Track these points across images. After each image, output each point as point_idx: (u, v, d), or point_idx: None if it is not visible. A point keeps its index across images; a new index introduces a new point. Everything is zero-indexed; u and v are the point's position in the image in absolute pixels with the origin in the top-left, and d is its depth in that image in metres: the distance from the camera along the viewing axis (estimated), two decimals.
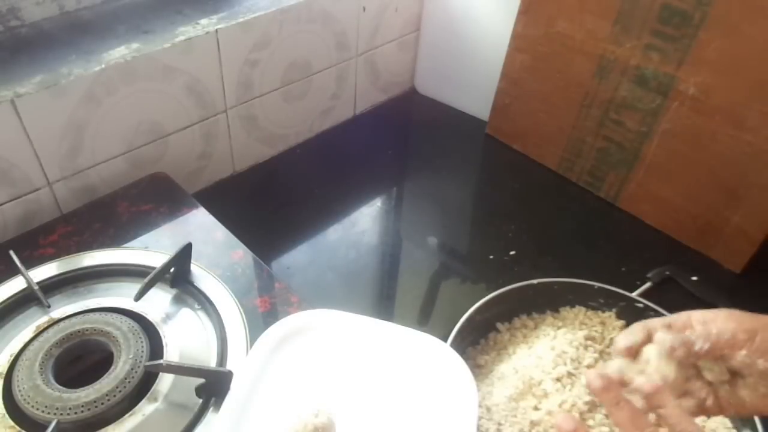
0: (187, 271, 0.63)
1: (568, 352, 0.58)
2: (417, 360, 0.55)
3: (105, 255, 0.65)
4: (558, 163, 0.91)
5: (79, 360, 0.56)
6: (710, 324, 0.42)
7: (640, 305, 0.64)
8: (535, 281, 0.65)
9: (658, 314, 0.62)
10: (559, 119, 0.87)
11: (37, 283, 0.60)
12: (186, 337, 0.58)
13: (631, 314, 0.64)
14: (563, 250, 0.80)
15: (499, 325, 0.65)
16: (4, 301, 0.59)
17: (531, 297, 0.65)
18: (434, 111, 1.08)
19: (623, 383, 0.43)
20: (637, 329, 0.45)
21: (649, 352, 0.44)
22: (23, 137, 0.65)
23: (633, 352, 0.44)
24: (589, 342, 0.61)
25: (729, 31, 0.67)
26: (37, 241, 0.66)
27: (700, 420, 0.54)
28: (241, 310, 0.60)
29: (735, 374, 0.42)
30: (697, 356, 0.42)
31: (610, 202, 0.87)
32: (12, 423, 0.50)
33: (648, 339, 0.44)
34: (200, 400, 0.53)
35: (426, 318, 0.71)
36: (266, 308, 0.61)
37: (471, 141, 1.00)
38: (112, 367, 0.53)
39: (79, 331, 0.55)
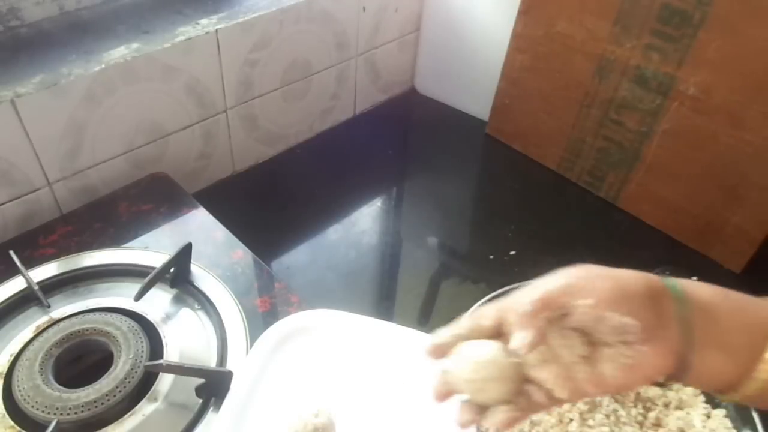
0: (187, 271, 0.63)
1: None
2: (417, 360, 0.55)
3: (105, 255, 0.65)
4: (558, 163, 0.91)
5: (79, 360, 0.56)
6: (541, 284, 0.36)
7: None
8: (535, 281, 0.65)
9: None
10: (559, 119, 0.87)
11: (37, 283, 0.60)
12: (186, 337, 0.58)
13: None
14: (563, 250, 0.80)
15: None
16: (4, 301, 0.59)
17: None
18: (434, 111, 1.08)
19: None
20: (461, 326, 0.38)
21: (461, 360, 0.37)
22: (23, 137, 0.65)
23: (440, 353, 0.38)
24: None
25: (729, 31, 0.67)
26: (37, 241, 0.66)
27: (700, 421, 0.54)
28: (241, 310, 0.60)
29: (594, 347, 0.35)
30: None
31: (610, 202, 0.87)
32: (12, 423, 0.50)
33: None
34: (200, 400, 0.53)
35: (426, 318, 0.71)
36: (266, 308, 0.61)
37: (471, 141, 1.00)
38: (112, 367, 0.53)
39: (79, 331, 0.55)
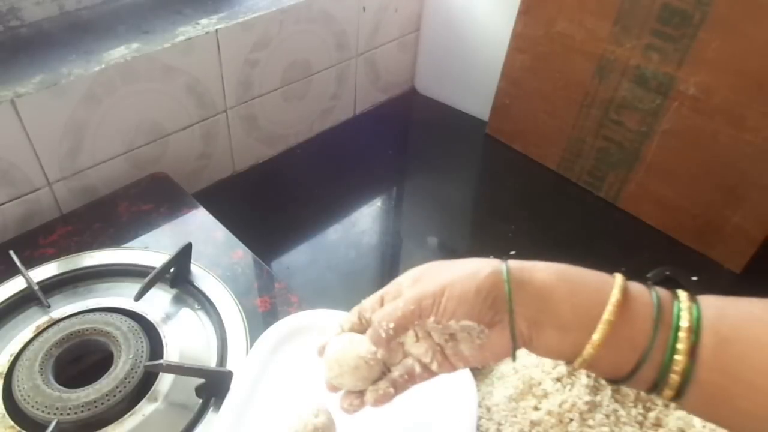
0: (187, 271, 0.63)
1: None
2: None
3: (105, 255, 0.65)
4: (558, 163, 0.91)
5: (79, 360, 0.56)
6: (396, 299, 0.41)
7: None
8: None
9: None
10: (559, 119, 0.87)
11: (37, 283, 0.60)
12: (186, 337, 0.58)
13: None
14: (563, 250, 0.79)
15: None
16: (4, 301, 0.59)
17: None
18: (434, 111, 1.08)
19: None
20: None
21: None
22: (23, 137, 0.65)
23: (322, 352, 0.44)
24: None
25: (729, 31, 0.67)
26: (37, 241, 0.66)
27: (700, 421, 0.54)
28: (241, 310, 0.60)
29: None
30: (387, 341, 0.41)
31: (610, 202, 0.87)
32: (12, 423, 0.50)
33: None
34: (200, 400, 0.53)
35: None
36: (266, 308, 0.61)
37: (471, 141, 1.00)
38: (112, 367, 0.53)
39: (79, 331, 0.55)
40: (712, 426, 0.54)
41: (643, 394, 0.56)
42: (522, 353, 0.60)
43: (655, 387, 0.36)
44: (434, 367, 0.41)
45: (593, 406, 0.54)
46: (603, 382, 0.56)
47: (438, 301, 0.39)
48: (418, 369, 0.42)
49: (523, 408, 0.55)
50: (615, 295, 0.37)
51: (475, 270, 0.39)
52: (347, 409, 0.43)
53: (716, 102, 0.70)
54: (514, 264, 0.40)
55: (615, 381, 0.38)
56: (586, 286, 0.39)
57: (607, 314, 0.36)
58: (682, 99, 0.73)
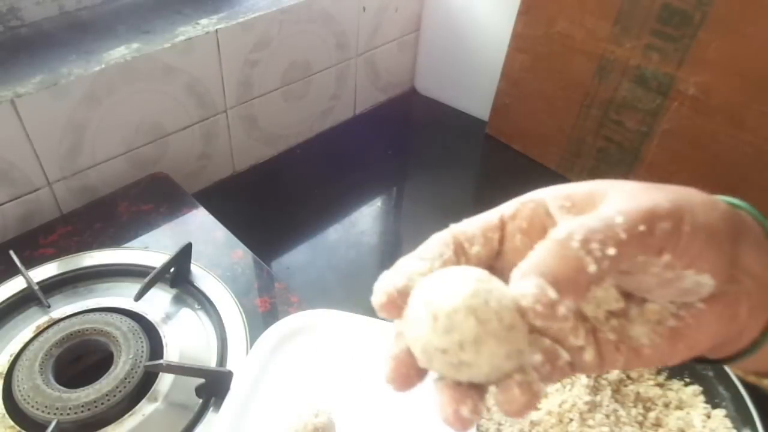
0: (187, 271, 0.63)
1: None
2: None
3: (105, 255, 0.65)
4: (558, 163, 0.91)
5: (79, 360, 0.56)
6: (601, 206, 0.24)
7: None
8: None
9: None
10: (559, 119, 0.87)
11: (37, 283, 0.60)
12: (186, 337, 0.58)
13: None
14: None
15: None
16: (4, 301, 0.59)
17: None
18: (434, 111, 1.08)
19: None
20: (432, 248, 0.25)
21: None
22: (23, 137, 0.65)
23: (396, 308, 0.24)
24: None
25: (729, 31, 0.67)
26: (37, 241, 0.66)
27: (700, 421, 0.54)
28: (241, 310, 0.60)
29: (629, 299, 0.25)
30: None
31: None
32: (12, 423, 0.50)
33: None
34: (200, 400, 0.53)
35: None
36: (266, 308, 0.61)
37: (471, 141, 1.00)
38: (112, 367, 0.53)
39: (79, 331, 0.55)
40: (712, 426, 0.54)
41: (643, 394, 0.56)
42: None
43: None
44: (587, 356, 0.24)
45: (593, 406, 0.54)
46: (603, 382, 0.56)
47: (679, 228, 0.22)
48: (564, 357, 0.23)
49: None
50: None
51: (704, 195, 0.24)
52: (469, 420, 0.22)
53: (716, 102, 0.70)
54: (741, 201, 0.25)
55: None
56: None
57: None
58: (682, 99, 0.73)
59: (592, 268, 0.21)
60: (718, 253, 0.23)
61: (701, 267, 0.23)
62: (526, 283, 0.21)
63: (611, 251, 0.21)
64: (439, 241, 0.25)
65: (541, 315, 0.20)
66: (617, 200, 0.23)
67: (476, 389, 0.22)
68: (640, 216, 0.22)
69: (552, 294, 0.20)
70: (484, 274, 0.23)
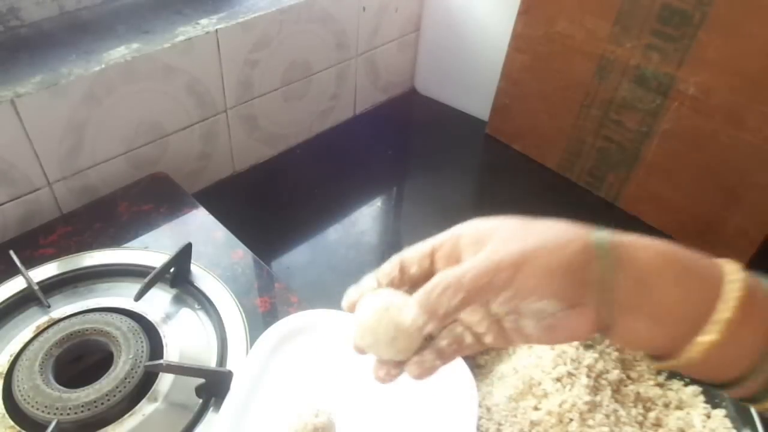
0: (187, 271, 0.63)
1: (567, 352, 0.58)
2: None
3: (105, 255, 0.65)
4: (558, 163, 0.91)
5: (79, 360, 0.56)
6: (450, 259, 0.35)
7: None
8: None
9: None
10: (559, 119, 0.87)
11: (37, 283, 0.60)
12: (186, 337, 0.58)
13: None
14: None
15: None
16: (4, 301, 0.59)
17: None
18: (434, 111, 1.08)
19: None
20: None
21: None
22: (23, 137, 0.65)
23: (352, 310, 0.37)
24: (588, 342, 0.61)
25: (729, 31, 0.67)
26: (37, 241, 0.66)
27: (700, 421, 0.54)
28: (241, 310, 0.60)
29: None
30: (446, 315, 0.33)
31: (610, 202, 0.87)
32: (12, 423, 0.50)
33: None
34: (200, 400, 0.53)
35: None
36: (266, 308, 0.61)
37: (471, 141, 1.00)
38: (112, 367, 0.53)
39: (79, 331, 0.55)
40: (712, 426, 0.54)
41: (643, 394, 0.56)
42: (523, 353, 0.61)
43: (754, 399, 0.32)
44: (488, 339, 0.34)
45: (593, 406, 0.54)
46: (603, 382, 0.56)
47: (514, 276, 0.31)
48: (468, 339, 0.35)
49: (523, 408, 0.55)
50: (736, 290, 0.31)
51: (562, 240, 0.32)
52: (383, 379, 0.36)
53: (716, 102, 0.70)
54: (609, 237, 0.33)
55: (714, 385, 0.33)
56: (696, 273, 0.33)
57: (727, 311, 0.30)
58: (682, 99, 0.73)
59: (443, 309, 0.32)
60: (560, 282, 0.31)
61: (542, 296, 0.31)
62: (410, 310, 0.33)
63: (456, 300, 0.32)
64: (391, 263, 0.37)
65: (417, 331, 0.34)
66: (489, 247, 0.33)
67: (396, 363, 0.36)
68: (488, 271, 0.32)
69: (421, 321, 0.33)
70: (397, 297, 0.35)
